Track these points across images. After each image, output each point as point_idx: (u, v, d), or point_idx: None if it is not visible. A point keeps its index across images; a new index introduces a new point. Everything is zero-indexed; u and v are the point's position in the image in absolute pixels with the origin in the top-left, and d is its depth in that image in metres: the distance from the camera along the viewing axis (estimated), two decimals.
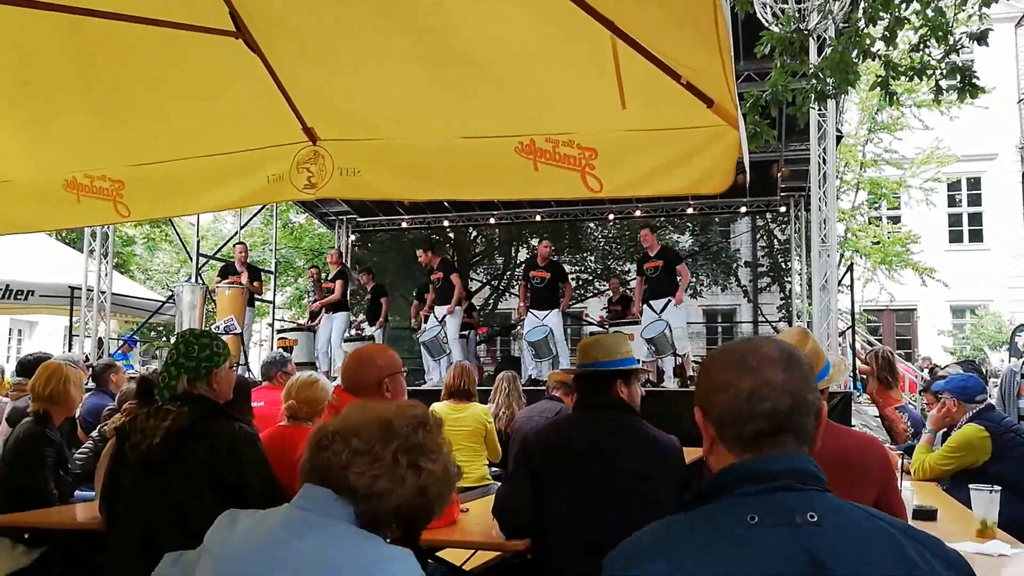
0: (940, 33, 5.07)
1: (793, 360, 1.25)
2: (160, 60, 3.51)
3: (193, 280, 12.09)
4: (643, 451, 2.68)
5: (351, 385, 2.84)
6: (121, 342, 11.02)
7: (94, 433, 4.33)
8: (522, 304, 10.32)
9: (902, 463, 4.92)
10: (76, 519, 3.37)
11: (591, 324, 17.26)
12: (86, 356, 10.37)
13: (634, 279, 10.67)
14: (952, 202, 22.40)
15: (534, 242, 19.40)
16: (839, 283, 9.51)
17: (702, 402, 1.28)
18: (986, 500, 3.10)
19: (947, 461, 4.34)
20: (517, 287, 13.34)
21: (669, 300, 9.30)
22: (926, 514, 3.40)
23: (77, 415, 5.08)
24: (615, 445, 2.69)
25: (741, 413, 1.22)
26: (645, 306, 9.48)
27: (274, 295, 14.50)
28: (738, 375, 1.23)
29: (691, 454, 2.92)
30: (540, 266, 10.07)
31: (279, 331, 12.14)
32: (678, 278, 9.52)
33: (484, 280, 21.42)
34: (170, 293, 12.68)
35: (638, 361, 2.93)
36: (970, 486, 3.24)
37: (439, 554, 3.20)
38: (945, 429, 4.63)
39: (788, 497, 1.17)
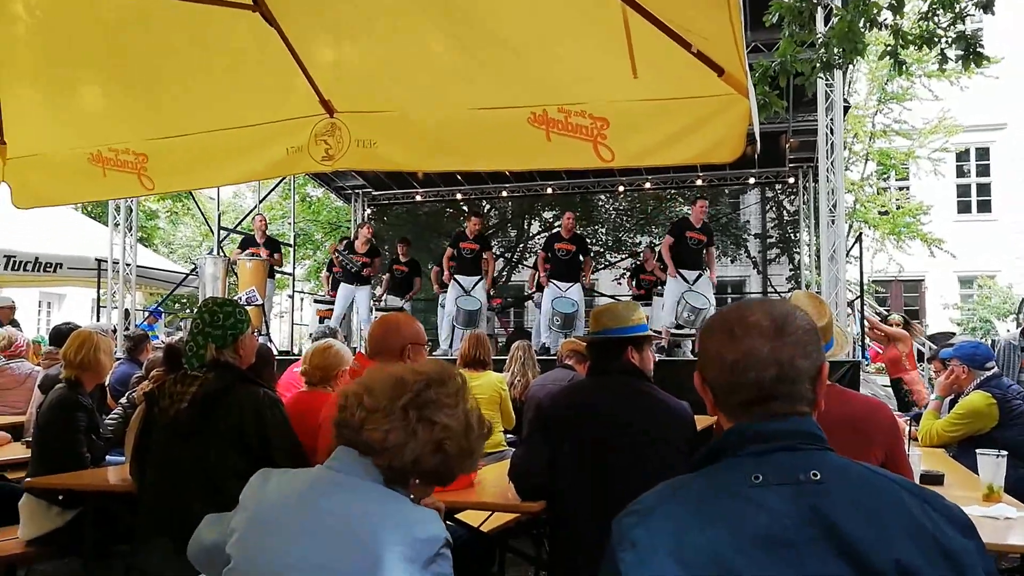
0: (947, 1, 4.99)
1: (785, 326, 1.22)
2: (181, 34, 3.52)
3: (215, 252, 12.14)
4: (654, 415, 2.69)
5: (375, 350, 2.86)
6: (147, 313, 11.09)
7: (123, 400, 4.38)
8: (542, 275, 10.20)
9: (909, 430, 4.93)
10: (108, 481, 3.42)
11: (604, 296, 17.23)
12: (114, 327, 10.47)
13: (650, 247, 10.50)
14: (960, 172, 22.12)
15: (547, 215, 19.39)
16: (847, 254, 9.44)
17: (700, 369, 1.29)
18: (993, 464, 3.09)
19: (954, 427, 4.33)
20: (533, 259, 13.20)
21: (701, 274, 9.32)
22: (933, 479, 3.40)
23: (107, 383, 5.15)
24: (627, 409, 2.70)
25: (728, 384, 1.23)
26: (677, 273, 9.32)
27: (293, 267, 14.55)
28: (724, 345, 1.23)
29: (702, 421, 2.93)
30: (565, 238, 9.96)
31: (317, 301, 12.10)
32: (705, 255, 9.59)
33: (498, 252, 21.41)
34: (193, 266, 12.74)
35: (649, 327, 2.92)
36: (977, 451, 3.24)
37: (457, 516, 3.25)
38: (952, 396, 4.62)
39: (790, 457, 1.17)
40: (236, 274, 10.39)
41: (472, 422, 1.61)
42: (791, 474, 1.15)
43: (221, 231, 13.04)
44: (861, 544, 1.07)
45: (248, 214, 14.68)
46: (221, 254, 11.51)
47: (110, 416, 4.23)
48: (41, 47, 3.63)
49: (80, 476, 3.50)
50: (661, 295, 10.25)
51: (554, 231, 10.46)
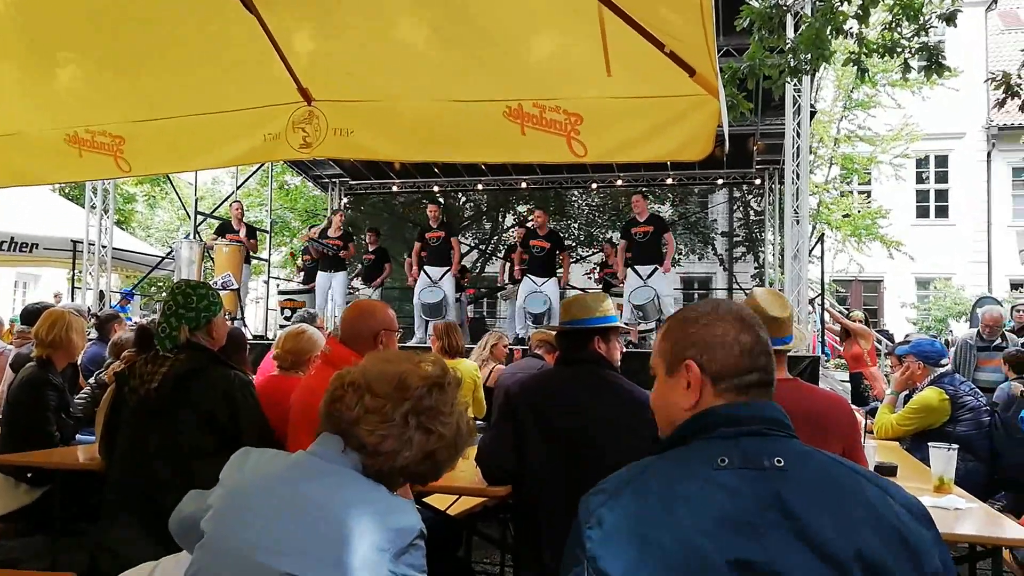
0: (911, 13, 5.05)
1: (760, 321, 1.33)
2: (160, 19, 3.45)
3: (191, 237, 11.99)
4: (619, 403, 2.69)
5: (348, 335, 2.83)
6: (120, 295, 10.94)
7: (92, 380, 4.31)
8: (518, 268, 10.20)
9: (866, 423, 4.99)
10: (77, 460, 3.37)
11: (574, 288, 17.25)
12: (88, 308, 10.30)
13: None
14: (920, 179, 22.44)
15: (521, 208, 19.39)
16: (809, 253, 9.54)
17: (699, 353, 1.28)
18: (944, 457, 3.15)
19: (908, 421, 4.40)
20: (505, 252, 13.17)
21: (656, 268, 9.20)
22: (886, 470, 3.45)
23: (79, 362, 5.06)
24: (592, 397, 2.70)
25: (742, 366, 1.26)
26: (630, 270, 9.36)
27: (269, 254, 14.39)
28: (741, 332, 1.28)
29: None
30: (541, 235, 9.97)
31: (282, 292, 11.97)
32: (664, 247, 9.43)
33: (472, 244, 21.38)
34: (169, 249, 12.57)
35: (618, 319, 2.92)
36: (929, 444, 3.29)
37: (425, 500, 3.24)
38: (907, 392, 4.69)
39: (758, 442, 1.18)
40: (212, 259, 10.27)
41: (463, 427, 1.58)
42: (757, 459, 1.16)
43: (198, 216, 12.87)
44: (821, 531, 1.08)
45: (225, 200, 14.53)
46: (197, 238, 11.35)
47: (79, 395, 4.16)
48: (20, 28, 3.54)
49: (49, 454, 3.45)
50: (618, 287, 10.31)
51: (530, 227, 10.45)
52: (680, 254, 20.05)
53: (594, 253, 18.60)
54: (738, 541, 1.09)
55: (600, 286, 11.87)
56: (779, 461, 1.15)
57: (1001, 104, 6.03)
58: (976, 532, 2.59)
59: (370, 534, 1.38)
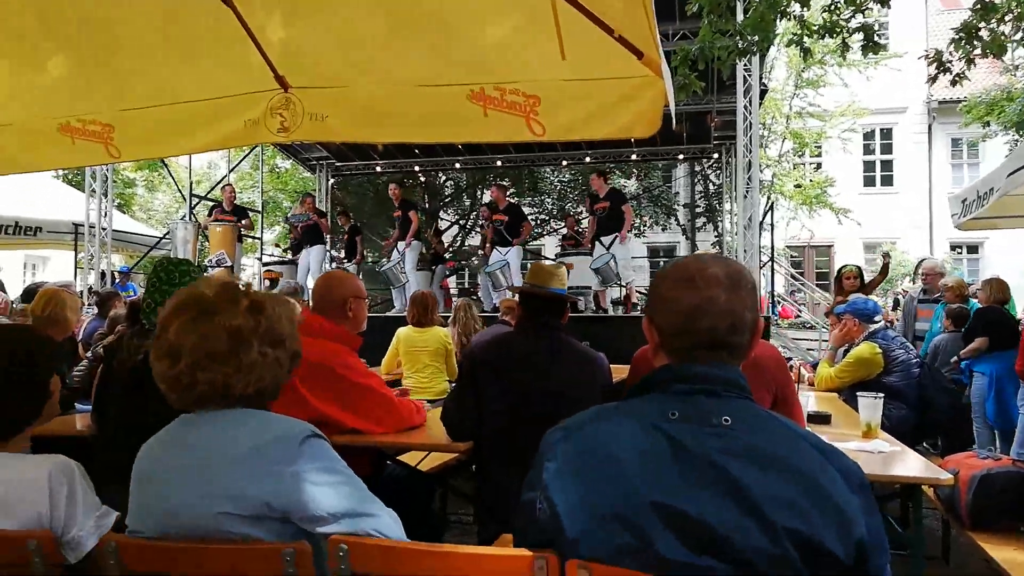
0: None
1: (737, 280, 1.22)
2: (143, 12, 3.40)
3: (187, 218, 11.87)
4: (572, 362, 2.72)
5: (318, 304, 2.83)
6: (118, 272, 10.87)
7: (88, 353, 4.28)
8: (488, 242, 10.40)
9: (809, 376, 5.08)
10: (75, 428, 3.36)
11: (548, 259, 17.25)
12: (90, 287, 10.21)
13: (587, 218, 10.72)
14: (867, 150, 22.59)
15: None
16: (761, 223, 9.60)
17: (651, 312, 1.27)
18: (871, 405, 3.19)
19: (845, 374, 4.47)
20: (482, 228, 13.24)
21: (616, 236, 9.37)
22: (821, 418, 3.51)
23: (79, 337, 5.03)
24: (548, 359, 2.71)
25: (683, 328, 1.20)
26: (596, 242, 9.55)
27: (261, 232, 14.28)
28: (685, 293, 1.21)
29: (619, 372, 2.95)
30: (501, 209, 10.19)
31: (264, 264, 12.02)
32: (623, 217, 9.55)
33: (453, 220, 21.31)
34: (167, 230, 12.46)
35: (567, 292, 2.94)
36: (858, 393, 3.34)
37: (399, 458, 3.27)
38: (845, 347, 4.76)
39: (710, 401, 1.17)
40: (207, 238, 10.20)
41: (282, 331, 1.57)
42: (705, 416, 1.15)
43: (193, 198, 12.72)
44: (754, 490, 1.07)
45: (218, 183, 14.35)
46: (193, 219, 11.24)
47: (77, 367, 4.14)
48: (9, 23, 3.47)
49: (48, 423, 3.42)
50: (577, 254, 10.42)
51: (491, 204, 10.61)
52: (645, 225, 20.09)
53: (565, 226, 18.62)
54: (674, 489, 1.09)
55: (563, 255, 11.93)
56: (727, 420, 1.14)
57: (933, 80, 6.06)
58: (897, 472, 2.64)
59: (256, 451, 1.40)
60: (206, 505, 1.38)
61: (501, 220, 10.06)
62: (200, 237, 10.34)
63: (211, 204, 11.38)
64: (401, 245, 10.32)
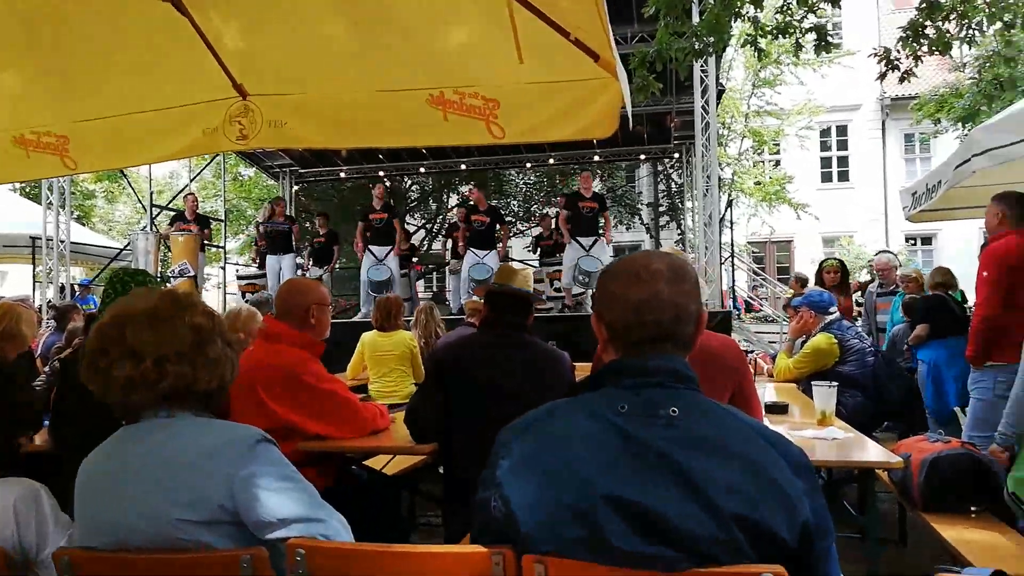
0: None
1: (680, 274, 1.24)
2: (97, 22, 3.35)
3: (148, 229, 11.67)
4: (536, 359, 2.74)
5: (281, 311, 2.81)
6: (78, 285, 10.66)
7: (47, 368, 4.20)
8: (462, 243, 10.24)
9: (767, 368, 5.16)
10: (32, 442, 3.29)
11: (515, 260, 17.26)
12: (49, 300, 9.99)
13: (555, 216, 10.67)
14: (823, 147, 22.97)
15: (463, 189, 19.28)
16: (722, 219, 9.73)
17: (599, 308, 1.29)
18: (825, 394, 3.27)
19: (802, 364, 4.56)
20: (447, 230, 13.14)
21: (596, 239, 9.35)
22: (779, 408, 3.58)
23: (38, 352, 4.93)
24: (512, 358, 2.73)
25: (630, 323, 1.23)
26: (573, 240, 9.43)
27: (224, 241, 14.10)
28: (630, 288, 1.23)
29: (583, 371, 2.97)
30: (481, 211, 10.07)
31: (241, 277, 11.76)
32: (601, 221, 9.64)
33: (419, 224, 21.25)
34: (127, 241, 12.25)
35: (532, 292, 2.96)
36: (812, 382, 3.41)
37: (364, 462, 3.25)
38: (802, 339, 4.85)
39: (659, 393, 1.19)
40: (169, 248, 10.04)
41: (213, 336, 1.56)
42: (654, 409, 1.17)
43: (154, 208, 12.52)
44: (701, 479, 1.09)
45: (179, 193, 14.14)
46: (153, 230, 11.05)
47: (36, 382, 4.06)
48: None
49: None
50: (555, 258, 10.34)
51: (471, 205, 10.47)
52: (611, 225, 20.20)
53: (534, 227, 18.63)
54: (624, 478, 1.12)
55: (538, 257, 11.93)
56: (674, 411, 1.16)
57: (882, 77, 6.20)
58: (851, 458, 2.71)
59: (208, 455, 1.40)
60: (164, 512, 1.37)
61: (482, 222, 9.96)
62: (162, 247, 10.17)
63: (172, 214, 11.19)
64: (381, 250, 9.99)
